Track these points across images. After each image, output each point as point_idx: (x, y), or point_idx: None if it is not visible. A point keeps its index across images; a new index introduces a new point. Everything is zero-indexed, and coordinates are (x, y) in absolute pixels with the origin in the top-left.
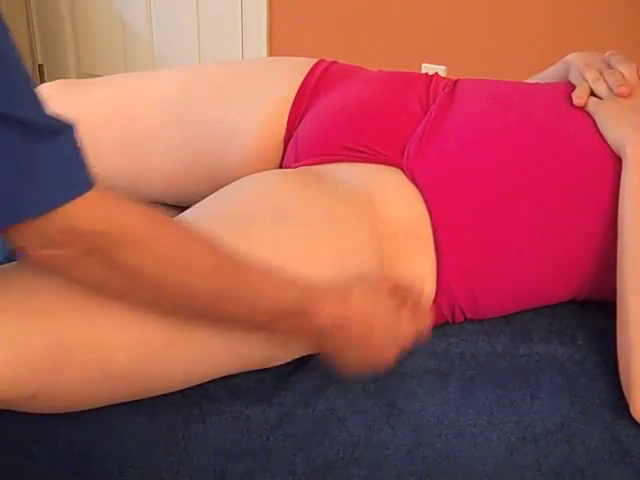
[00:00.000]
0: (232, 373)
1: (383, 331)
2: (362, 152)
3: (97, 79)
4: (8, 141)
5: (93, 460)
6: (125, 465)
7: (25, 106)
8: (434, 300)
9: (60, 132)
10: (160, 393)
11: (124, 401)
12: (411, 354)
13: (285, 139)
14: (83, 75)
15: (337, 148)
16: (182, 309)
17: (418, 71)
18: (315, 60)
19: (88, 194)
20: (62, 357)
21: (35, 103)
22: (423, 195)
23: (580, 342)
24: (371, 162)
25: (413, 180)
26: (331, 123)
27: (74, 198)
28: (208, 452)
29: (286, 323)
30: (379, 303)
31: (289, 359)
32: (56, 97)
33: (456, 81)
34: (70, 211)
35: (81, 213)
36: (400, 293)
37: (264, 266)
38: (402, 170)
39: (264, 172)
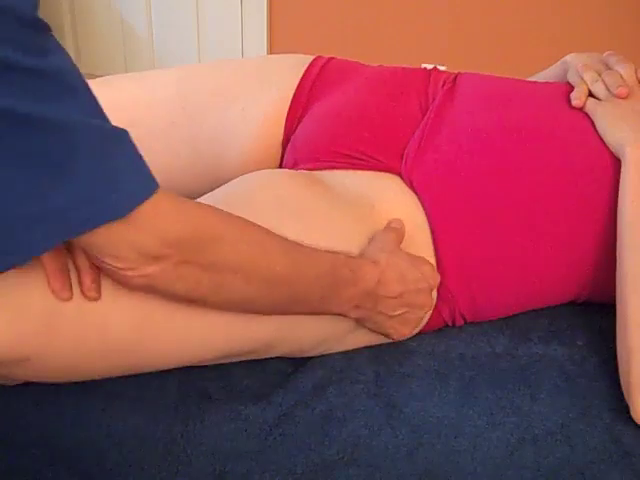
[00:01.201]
0: (229, 356)
1: (415, 280)
2: (360, 159)
3: (95, 80)
4: (89, 146)
5: (92, 460)
6: (124, 465)
7: (96, 115)
8: (435, 307)
9: (124, 136)
10: (153, 369)
11: (117, 374)
12: (411, 355)
13: (284, 142)
14: (83, 75)
15: (335, 155)
16: (264, 299)
17: None
18: (312, 57)
19: (161, 200)
20: (56, 322)
21: (101, 112)
22: (422, 202)
23: (580, 343)
24: (369, 169)
25: (412, 187)
26: (328, 129)
27: (150, 196)
28: (207, 452)
29: (344, 292)
30: (401, 257)
31: (288, 349)
32: None
33: (455, 77)
34: (153, 220)
35: (164, 220)
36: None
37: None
38: (401, 177)
39: (267, 170)
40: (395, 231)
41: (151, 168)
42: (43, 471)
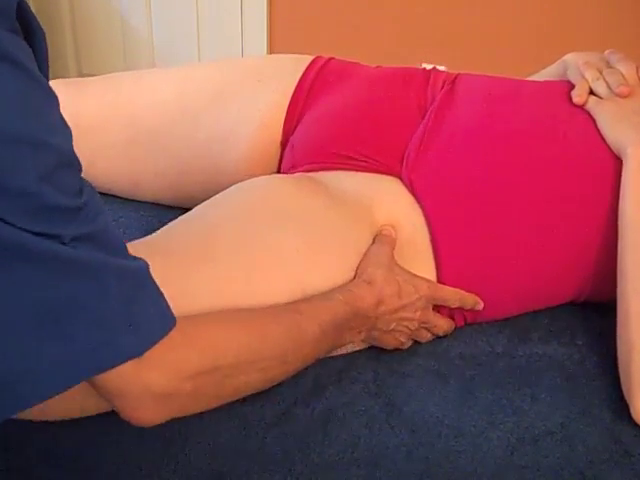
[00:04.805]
0: None
1: (408, 294)
2: (360, 160)
3: (93, 78)
4: (112, 289)
5: (90, 458)
6: (122, 464)
7: (118, 249)
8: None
9: (145, 273)
10: None
11: None
12: (411, 354)
13: (282, 143)
14: (83, 75)
15: (334, 156)
16: (274, 376)
17: None
18: (311, 57)
19: (173, 334)
20: None
21: (122, 244)
22: (422, 204)
23: (580, 342)
24: (369, 171)
25: (412, 189)
26: (328, 130)
27: (166, 334)
28: (205, 451)
29: (347, 330)
30: (397, 271)
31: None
32: None
33: (455, 78)
34: (166, 356)
35: (177, 355)
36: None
37: (307, 300)
38: (400, 179)
39: (264, 177)
40: (389, 243)
41: (151, 170)
42: (40, 470)
